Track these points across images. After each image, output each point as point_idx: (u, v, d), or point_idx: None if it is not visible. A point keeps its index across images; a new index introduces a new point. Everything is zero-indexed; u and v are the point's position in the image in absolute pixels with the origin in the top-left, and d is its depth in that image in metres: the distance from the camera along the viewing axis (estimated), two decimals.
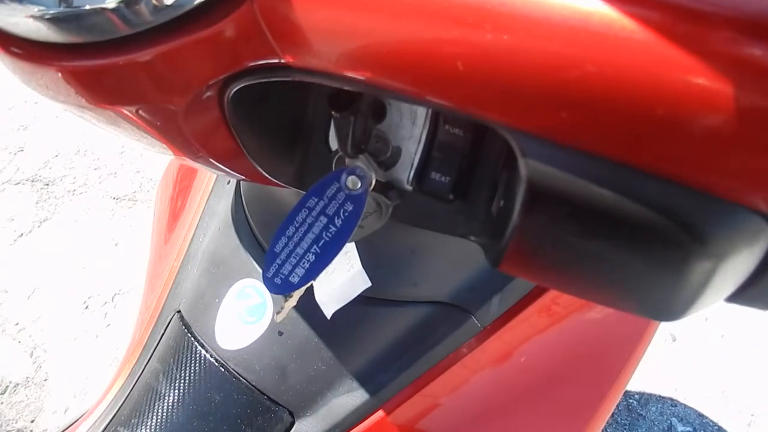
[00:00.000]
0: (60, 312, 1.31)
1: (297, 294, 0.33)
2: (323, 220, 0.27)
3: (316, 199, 0.27)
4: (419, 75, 0.16)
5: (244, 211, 0.51)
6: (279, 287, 0.27)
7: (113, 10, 0.21)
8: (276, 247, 0.27)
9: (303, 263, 0.27)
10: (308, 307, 0.44)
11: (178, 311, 0.51)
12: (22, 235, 1.45)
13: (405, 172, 0.29)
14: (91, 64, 0.23)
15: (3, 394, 1.15)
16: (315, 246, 0.27)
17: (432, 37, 0.15)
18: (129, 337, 0.57)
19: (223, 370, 0.46)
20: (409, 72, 0.16)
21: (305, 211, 0.27)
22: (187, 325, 0.49)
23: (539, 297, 0.48)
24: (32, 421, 1.11)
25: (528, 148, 0.16)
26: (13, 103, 1.75)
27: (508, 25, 0.14)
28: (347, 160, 0.28)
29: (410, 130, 0.28)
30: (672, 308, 0.18)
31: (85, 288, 1.35)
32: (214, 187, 0.57)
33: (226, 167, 0.30)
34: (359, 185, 0.26)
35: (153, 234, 0.67)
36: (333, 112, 0.26)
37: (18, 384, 1.17)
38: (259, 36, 0.19)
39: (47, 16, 0.22)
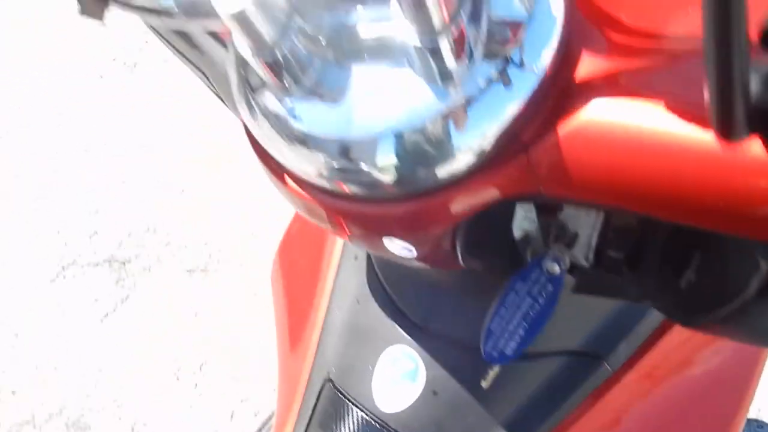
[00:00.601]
0: (153, 385, 1.37)
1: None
2: (529, 300, 0.33)
3: (522, 283, 0.33)
4: (680, 206, 0.21)
5: (381, 283, 0.57)
6: (497, 359, 0.33)
7: (395, 181, 0.25)
8: (491, 326, 0.33)
9: (515, 337, 0.33)
10: (456, 368, 0.50)
11: (329, 380, 0.57)
12: (107, 314, 1.53)
13: (582, 251, 0.34)
14: (368, 210, 0.27)
15: None
16: (524, 322, 0.33)
17: (700, 178, 0.20)
18: (276, 407, 0.63)
19: (385, 431, 0.51)
20: (670, 204, 0.21)
21: (513, 294, 0.33)
22: (342, 392, 0.55)
23: (664, 336, 0.53)
24: None
25: None
26: (84, 189, 1.86)
27: None
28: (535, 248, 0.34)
29: (585, 219, 0.33)
30: None
31: (173, 360, 1.42)
32: (342, 265, 0.63)
33: (424, 261, 0.36)
34: (557, 269, 0.32)
35: (277, 315, 0.72)
36: (538, 216, 0.32)
37: None
38: (527, 178, 0.24)
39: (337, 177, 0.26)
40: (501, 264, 0.36)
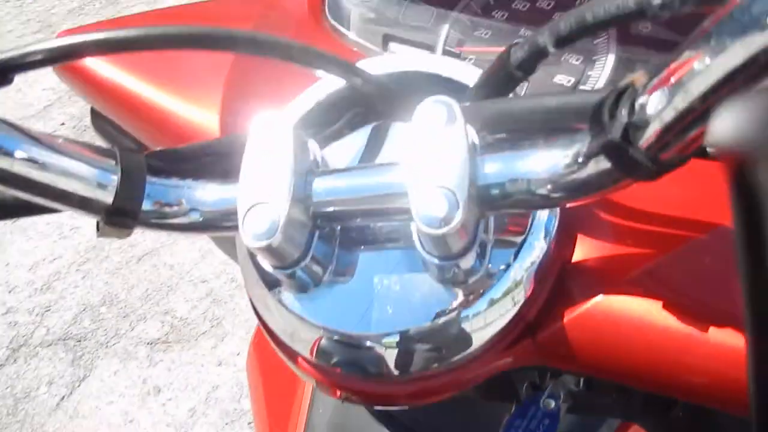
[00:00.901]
0: None
1: None
2: None
3: (520, 420, 0.34)
4: (678, 390, 0.23)
5: None
6: None
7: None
8: None
9: None
10: None
11: None
12: (63, 398, 1.46)
13: (573, 378, 0.36)
14: (372, 389, 0.28)
15: None
16: None
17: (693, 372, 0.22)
18: None
19: None
20: (670, 388, 0.23)
21: (513, 430, 0.34)
22: None
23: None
24: None
25: None
26: (33, 261, 1.79)
27: None
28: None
29: None
30: None
31: None
32: None
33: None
34: (553, 405, 0.33)
35: (255, 410, 0.71)
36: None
37: None
38: (532, 355, 0.26)
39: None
40: (495, 393, 0.37)
